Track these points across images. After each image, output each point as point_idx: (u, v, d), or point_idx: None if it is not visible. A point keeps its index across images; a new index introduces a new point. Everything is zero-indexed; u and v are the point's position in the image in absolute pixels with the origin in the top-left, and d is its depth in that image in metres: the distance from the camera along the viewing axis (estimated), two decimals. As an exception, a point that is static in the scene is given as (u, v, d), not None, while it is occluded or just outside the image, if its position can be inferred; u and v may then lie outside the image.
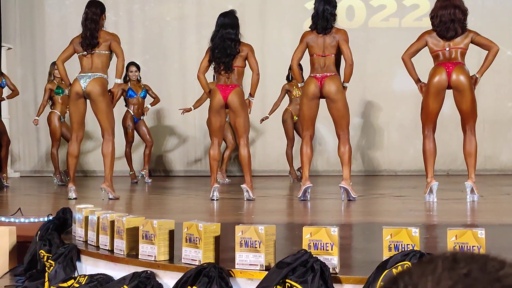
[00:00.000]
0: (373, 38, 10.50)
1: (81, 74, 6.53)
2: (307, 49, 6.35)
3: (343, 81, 6.27)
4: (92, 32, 6.52)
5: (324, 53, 6.24)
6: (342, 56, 6.27)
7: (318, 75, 6.21)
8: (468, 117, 6.00)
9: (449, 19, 5.90)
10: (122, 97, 9.24)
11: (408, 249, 2.67)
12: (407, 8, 10.56)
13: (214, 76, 9.21)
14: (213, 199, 6.34)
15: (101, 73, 6.50)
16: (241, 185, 6.42)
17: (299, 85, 6.64)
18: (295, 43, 6.85)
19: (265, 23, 10.81)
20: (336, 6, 6.40)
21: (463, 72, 5.89)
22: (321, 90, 6.20)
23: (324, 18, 6.24)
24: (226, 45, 6.34)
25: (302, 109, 6.47)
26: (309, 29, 6.37)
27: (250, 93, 6.52)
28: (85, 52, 6.55)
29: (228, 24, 6.41)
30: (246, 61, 6.47)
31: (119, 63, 6.54)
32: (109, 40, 6.55)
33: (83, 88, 6.46)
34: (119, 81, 6.72)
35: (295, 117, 9.21)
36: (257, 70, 6.45)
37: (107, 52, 6.56)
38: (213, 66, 6.48)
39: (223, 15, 6.53)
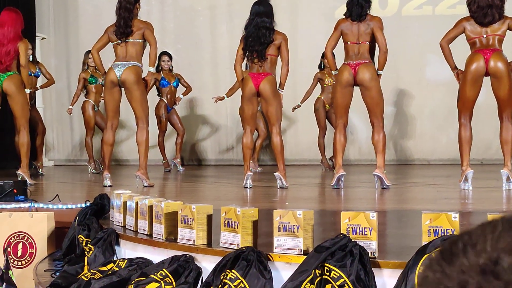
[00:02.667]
0: (406, 26, 10.42)
1: (116, 62, 6.59)
2: (341, 37, 6.33)
3: (377, 69, 6.24)
4: (126, 21, 6.56)
5: (359, 40, 6.21)
6: (376, 43, 6.24)
7: (352, 62, 6.19)
8: (505, 105, 5.94)
9: (486, 4, 5.84)
10: (154, 86, 9.31)
11: (448, 234, 2.67)
12: (441, -5, 10.47)
13: (246, 64, 9.27)
14: (246, 187, 6.36)
15: (135, 61, 6.56)
16: (275, 173, 6.43)
17: (333, 73, 6.63)
18: (327, 30, 6.84)
19: (297, 11, 10.78)
20: None
21: (501, 58, 5.83)
22: (354, 77, 6.17)
23: (359, 5, 6.21)
24: (261, 33, 6.33)
25: (335, 96, 6.45)
26: (344, 17, 6.35)
27: (279, 86, 6.48)
28: (119, 41, 6.60)
29: (263, 12, 6.39)
30: (279, 49, 6.45)
31: (152, 52, 6.58)
32: (143, 28, 6.59)
33: (117, 76, 6.51)
34: (152, 69, 6.76)
35: (327, 105, 9.20)
36: (287, 61, 6.41)
37: (140, 40, 6.61)
38: (246, 55, 6.48)
39: (258, 3, 6.52)
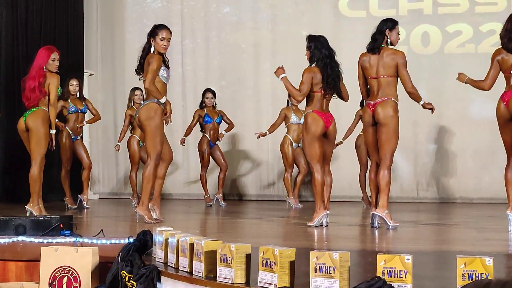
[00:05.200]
0: (449, 64, 10.42)
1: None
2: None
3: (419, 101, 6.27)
4: None
5: (377, 74, 6.26)
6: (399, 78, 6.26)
7: (371, 102, 6.25)
8: None
9: None
10: (198, 123, 9.48)
11: (482, 278, 2.69)
12: (484, 34, 10.46)
13: (288, 101, 9.38)
14: (319, 225, 6.38)
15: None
16: (325, 211, 6.45)
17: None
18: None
19: (339, 50, 10.83)
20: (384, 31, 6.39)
21: None
22: (373, 116, 6.21)
23: (373, 39, 6.38)
24: (337, 74, 6.51)
25: (364, 136, 6.60)
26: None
27: None
28: None
29: (334, 53, 6.60)
30: None
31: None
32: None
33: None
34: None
35: (368, 143, 9.25)
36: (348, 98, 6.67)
37: None
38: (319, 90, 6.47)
39: (327, 42, 6.64)
